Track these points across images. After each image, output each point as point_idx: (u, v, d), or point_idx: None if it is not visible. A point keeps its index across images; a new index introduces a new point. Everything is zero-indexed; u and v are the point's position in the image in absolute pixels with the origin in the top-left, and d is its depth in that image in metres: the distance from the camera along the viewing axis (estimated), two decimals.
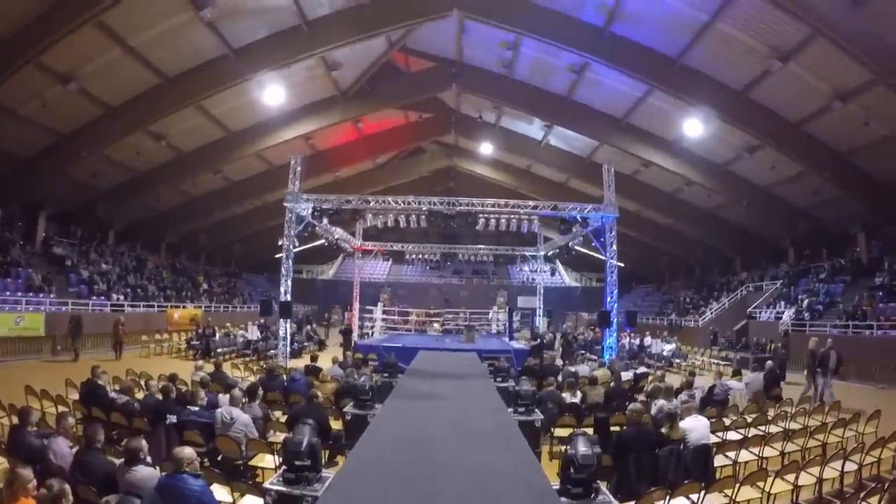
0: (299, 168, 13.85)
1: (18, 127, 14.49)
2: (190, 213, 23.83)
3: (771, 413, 8.04)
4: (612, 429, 6.38)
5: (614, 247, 13.77)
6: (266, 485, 4.21)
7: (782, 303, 18.85)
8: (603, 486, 4.14)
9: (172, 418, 5.73)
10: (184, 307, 21.64)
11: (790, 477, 5.25)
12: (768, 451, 6.34)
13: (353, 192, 18.62)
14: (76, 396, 7.56)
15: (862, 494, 4.38)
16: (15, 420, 6.35)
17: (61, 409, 6.98)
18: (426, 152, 27.15)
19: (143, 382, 8.39)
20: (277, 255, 15.70)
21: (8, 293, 14.51)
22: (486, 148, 24.11)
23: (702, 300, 24.92)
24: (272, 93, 16.61)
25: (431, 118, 22.38)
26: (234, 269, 32.00)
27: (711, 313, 22.56)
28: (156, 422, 5.87)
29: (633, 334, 19.72)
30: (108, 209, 20.56)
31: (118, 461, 4.31)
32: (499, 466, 4.04)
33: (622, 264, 15.96)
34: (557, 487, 3.78)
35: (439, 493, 3.44)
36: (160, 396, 6.46)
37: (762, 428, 7.26)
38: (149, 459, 4.21)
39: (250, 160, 21.09)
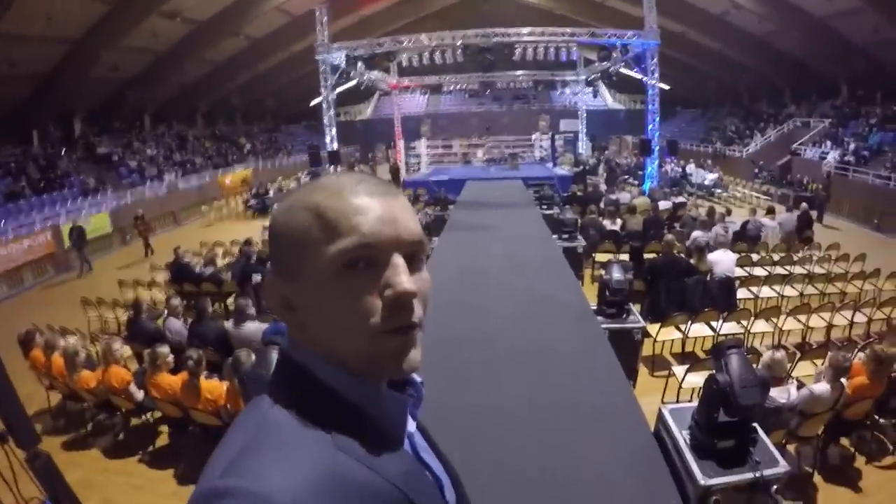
0: (325, 18, 13.37)
1: (32, 48, 14.14)
2: (218, 79, 23.51)
3: (798, 255, 8.18)
4: (648, 256, 6.83)
5: (656, 74, 13.17)
6: None
7: (828, 142, 17.69)
8: (635, 308, 4.61)
9: (257, 277, 6.47)
10: (233, 171, 22.32)
11: (802, 318, 5.63)
12: (788, 291, 6.65)
13: (382, 28, 17.51)
14: (161, 279, 8.34)
15: (861, 345, 4.66)
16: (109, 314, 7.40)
17: (155, 292, 7.85)
18: None
19: (219, 251, 9.25)
20: (313, 103, 15.62)
21: (69, 202, 14.69)
22: None
23: (748, 130, 23.71)
24: None
25: None
26: (271, 123, 32.00)
27: (756, 145, 21.61)
28: (243, 283, 6.69)
29: (675, 161, 19.27)
30: (137, 95, 20.49)
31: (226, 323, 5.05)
32: (544, 290, 4.53)
33: (667, 86, 15.25)
34: (594, 308, 4.30)
35: (494, 314, 4.04)
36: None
37: (787, 268, 7.51)
38: (253, 313, 4.93)
39: (270, 15, 20.09)
